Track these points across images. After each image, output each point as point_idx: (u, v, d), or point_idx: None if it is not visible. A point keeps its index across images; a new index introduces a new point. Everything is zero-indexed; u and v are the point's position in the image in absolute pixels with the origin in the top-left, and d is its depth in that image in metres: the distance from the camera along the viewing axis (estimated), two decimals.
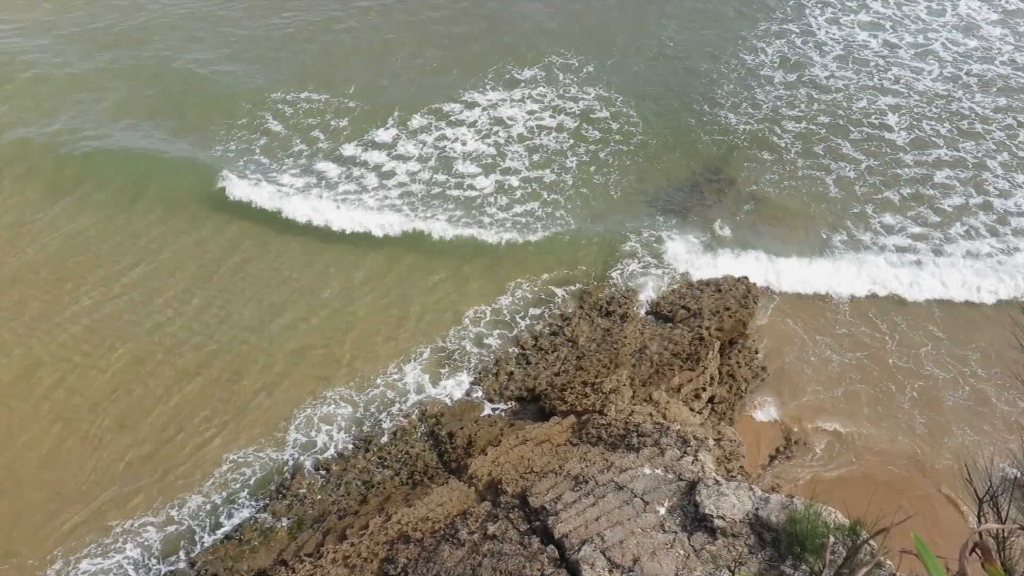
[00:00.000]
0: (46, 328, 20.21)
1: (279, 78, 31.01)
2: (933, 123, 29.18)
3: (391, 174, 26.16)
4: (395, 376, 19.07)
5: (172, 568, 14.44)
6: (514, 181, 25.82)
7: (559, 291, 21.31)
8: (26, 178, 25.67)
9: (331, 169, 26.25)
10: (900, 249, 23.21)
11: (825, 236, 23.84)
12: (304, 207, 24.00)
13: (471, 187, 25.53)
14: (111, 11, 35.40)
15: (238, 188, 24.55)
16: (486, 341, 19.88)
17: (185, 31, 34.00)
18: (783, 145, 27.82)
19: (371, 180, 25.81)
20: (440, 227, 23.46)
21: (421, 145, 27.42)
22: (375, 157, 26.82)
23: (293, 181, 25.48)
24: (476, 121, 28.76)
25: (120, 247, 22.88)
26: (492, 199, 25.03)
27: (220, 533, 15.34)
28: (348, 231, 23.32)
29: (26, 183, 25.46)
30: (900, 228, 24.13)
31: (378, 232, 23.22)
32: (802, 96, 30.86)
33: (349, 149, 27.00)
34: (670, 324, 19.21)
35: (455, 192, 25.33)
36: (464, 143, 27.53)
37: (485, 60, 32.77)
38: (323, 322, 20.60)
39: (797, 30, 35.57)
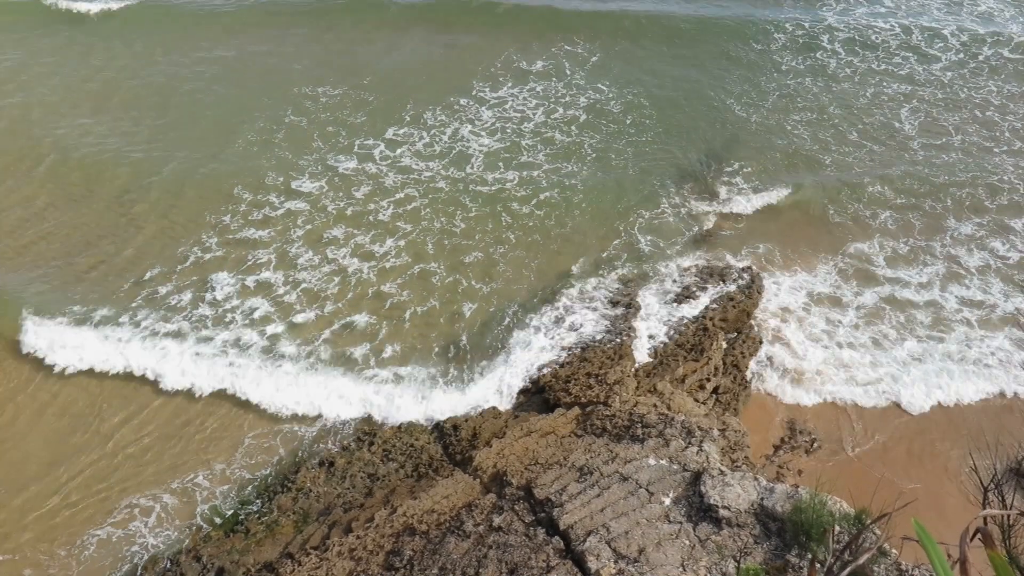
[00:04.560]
0: None
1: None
2: (942, 110, 29.16)
3: (406, 169, 26.22)
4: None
5: (178, 562, 14.47)
6: (534, 173, 26.07)
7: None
8: None
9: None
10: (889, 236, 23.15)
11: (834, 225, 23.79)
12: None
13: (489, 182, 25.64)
14: None
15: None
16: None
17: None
18: (794, 136, 27.75)
19: (391, 179, 25.86)
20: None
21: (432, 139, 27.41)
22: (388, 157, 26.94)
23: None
24: (484, 117, 28.92)
25: None
26: (515, 192, 25.16)
27: (226, 527, 15.39)
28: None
29: None
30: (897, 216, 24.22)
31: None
32: (809, 84, 30.86)
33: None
34: (675, 314, 19.17)
35: (476, 188, 25.30)
36: (478, 137, 27.68)
37: (494, 52, 33.05)
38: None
39: (807, 15, 35.66)
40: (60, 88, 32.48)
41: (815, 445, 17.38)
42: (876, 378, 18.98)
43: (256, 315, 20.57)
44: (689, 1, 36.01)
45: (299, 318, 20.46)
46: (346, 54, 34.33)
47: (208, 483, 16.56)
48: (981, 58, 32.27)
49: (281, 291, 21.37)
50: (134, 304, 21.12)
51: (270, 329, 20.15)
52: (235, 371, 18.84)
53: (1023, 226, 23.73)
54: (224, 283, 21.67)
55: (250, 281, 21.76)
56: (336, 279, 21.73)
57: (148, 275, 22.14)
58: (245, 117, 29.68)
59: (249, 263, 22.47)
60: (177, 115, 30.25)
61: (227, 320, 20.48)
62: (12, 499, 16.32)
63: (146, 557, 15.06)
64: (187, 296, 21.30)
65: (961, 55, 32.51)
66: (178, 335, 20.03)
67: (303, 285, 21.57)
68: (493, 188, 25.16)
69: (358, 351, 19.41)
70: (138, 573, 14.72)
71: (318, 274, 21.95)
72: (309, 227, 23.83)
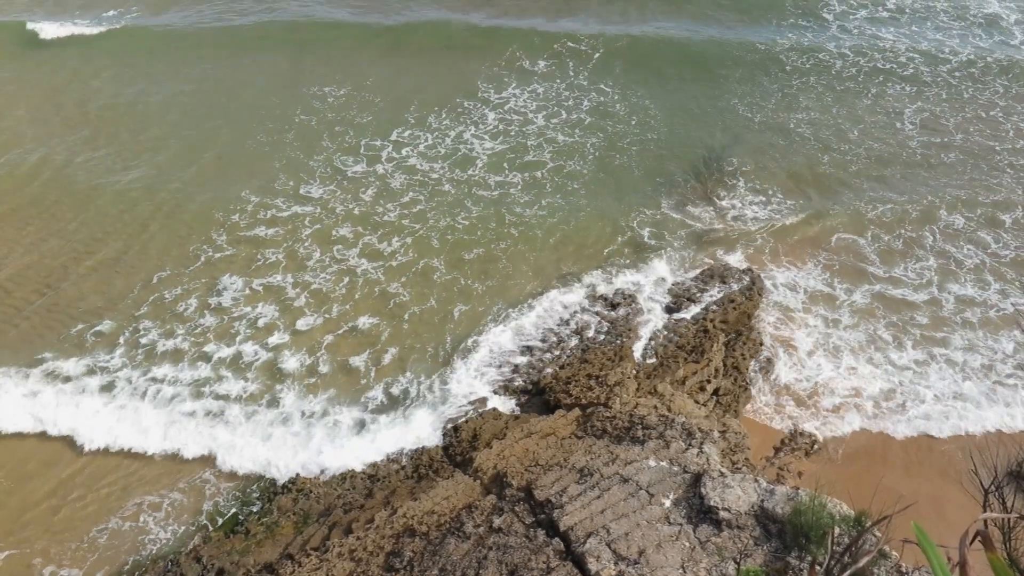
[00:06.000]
0: None
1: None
2: (944, 108, 29.18)
3: (412, 169, 26.36)
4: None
5: (178, 563, 14.46)
6: (537, 173, 26.09)
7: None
8: None
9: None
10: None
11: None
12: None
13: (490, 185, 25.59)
14: None
15: None
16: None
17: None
18: (795, 135, 27.75)
19: (398, 181, 25.71)
20: None
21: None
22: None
23: None
24: (488, 117, 28.93)
25: None
26: (518, 193, 25.15)
27: (226, 527, 15.39)
28: None
29: None
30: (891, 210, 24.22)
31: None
32: (813, 83, 30.91)
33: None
34: (676, 316, 19.17)
35: (481, 192, 25.32)
36: (481, 140, 27.72)
37: (496, 51, 33.13)
38: None
39: (811, 13, 35.71)
40: (56, 96, 32.40)
41: (815, 447, 17.36)
42: (885, 390, 18.81)
43: (260, 323, 20.48)
44: (694, 28, 35.94)
45: (303, 324, 20.40)
46: (347, 59, 34.27)
47: (215, 479, 16.58)
48: (990, 59, 32.27)
49: (291, 294, 21.34)
50: (139, 313, 20.98)
51: (273, 340, 19.99)
52: (218, 439, 17.56)
53: (1011, 222, 23.79)
54: (232, 286, 21.65)
55: (257, 284, 21.71)
56: (345, 279, 21.76)
57: (156, 278, 22.12)
58: (253, 117, 29.71)
59: (259, 263, 22.50)
60: (182, 118, 30.24)
61: (232, 331, 20.27)
62: (11, 495, 16.36)
63: (156, 548, 15.14)
64: (193, 303, 21.19)
65: (971, 56, 32.52)
66: (176, 353, 19.72)
67: (312, 286, 21.56)
68: (496, 193, 25.15)
69: (359, 359, 19.33)
70: (142, 570, 14.75)
71: (326, 275, 21.96)
72: (318, 226, 23.90)
